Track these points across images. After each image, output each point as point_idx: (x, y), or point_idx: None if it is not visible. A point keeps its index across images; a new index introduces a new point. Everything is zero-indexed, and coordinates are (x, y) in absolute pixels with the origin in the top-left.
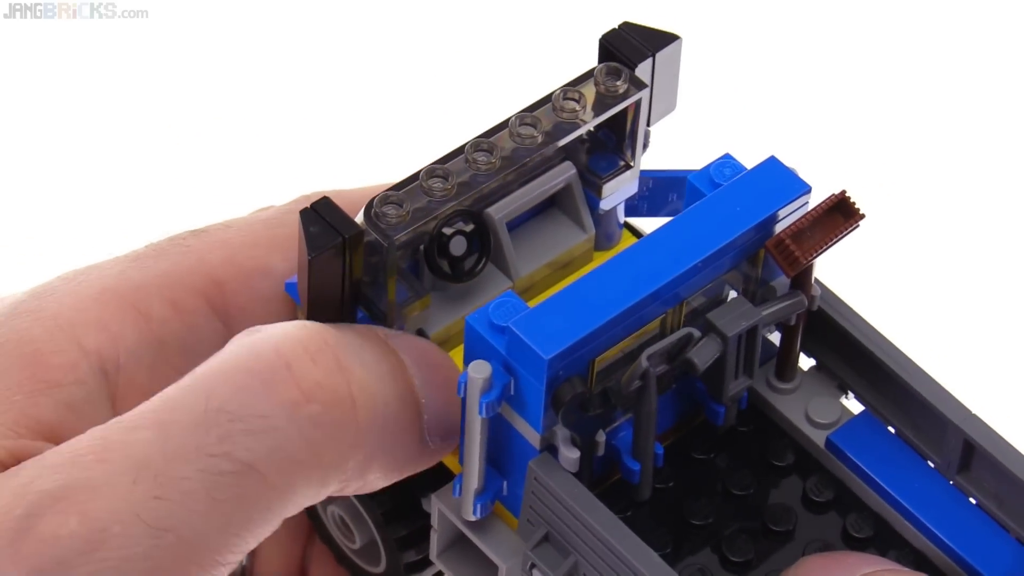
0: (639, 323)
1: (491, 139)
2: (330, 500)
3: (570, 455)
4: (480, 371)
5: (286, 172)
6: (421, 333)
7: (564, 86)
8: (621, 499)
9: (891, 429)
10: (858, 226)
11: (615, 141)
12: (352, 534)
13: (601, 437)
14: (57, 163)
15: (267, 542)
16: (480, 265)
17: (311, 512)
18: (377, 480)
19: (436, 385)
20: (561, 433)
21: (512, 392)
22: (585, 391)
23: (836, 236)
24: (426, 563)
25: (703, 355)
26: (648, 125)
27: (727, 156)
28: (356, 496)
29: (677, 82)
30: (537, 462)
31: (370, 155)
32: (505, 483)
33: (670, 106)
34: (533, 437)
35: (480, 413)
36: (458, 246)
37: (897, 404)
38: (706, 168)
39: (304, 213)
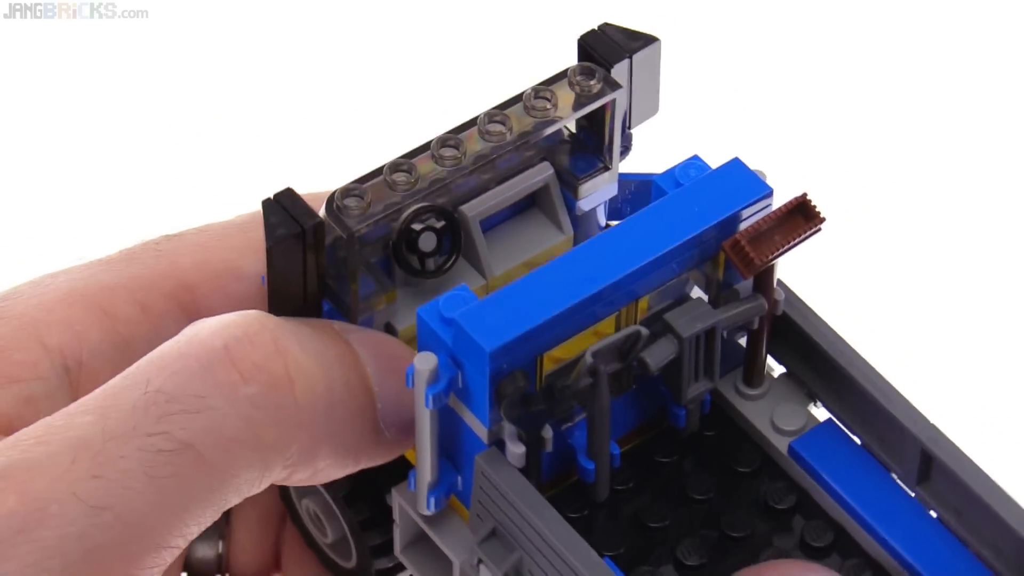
0: (589, 320)
1: (459, 135)
2: (304, 494)
3: (516, 450)
4: (426, 363)
5: (286, 172)
6: (389, 327)
7: (536, 85)
8: (578, 499)
9: (856, 439)
10: (819, 229)
11: (595, 142)
12: (325, 528)
13: (548, 433)
14: (57, 163)
15: (241, 530)
16: (449, 262)
17: (286, 499)
18: (329, 468)
19: (391, 376)
20: (507, 428)
21: (460, 385)
22: (527, 386)
23: (795, 239)
24: (399, 568)
25: (657, 355)
26: (629, 128)
27: (695, 158)
28: (333, 501)
29: (658, 85)
30: (484, 456)
31: (372, 156)
32: (459, 477)
33: (652, 109)
34: (481, 431)
35: (426, 405)
36: (427, 242)
37: (859, 412)
38: (672, 169)
39: (266, 203)
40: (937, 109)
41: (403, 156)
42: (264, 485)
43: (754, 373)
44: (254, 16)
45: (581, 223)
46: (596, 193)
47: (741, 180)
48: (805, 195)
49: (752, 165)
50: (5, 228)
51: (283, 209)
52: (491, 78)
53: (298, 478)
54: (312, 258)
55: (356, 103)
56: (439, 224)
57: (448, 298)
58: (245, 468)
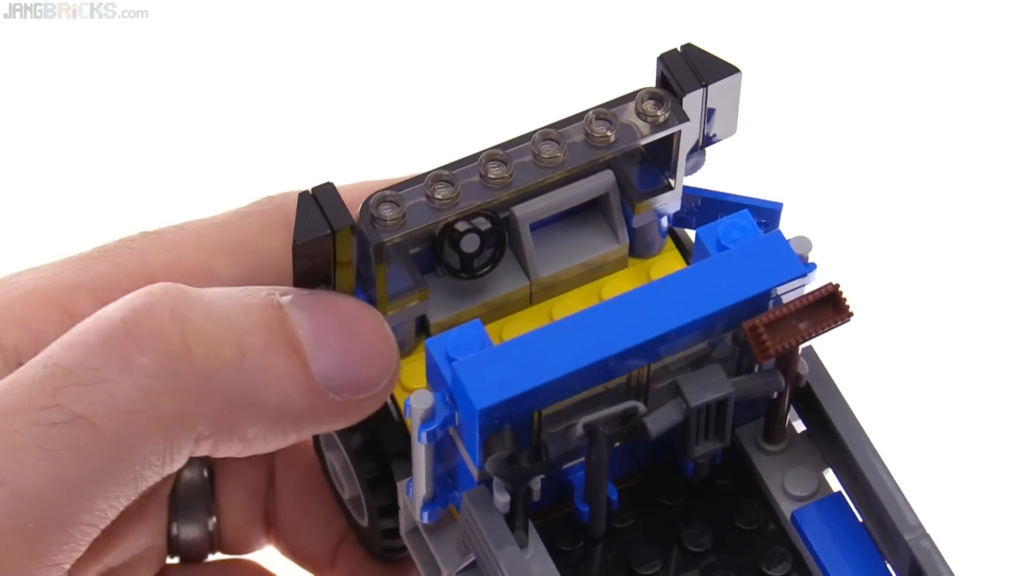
0: (597, 381)
1: (509, 151)
2: (329, 447)
3: (500, 498)
4: (421, 402)
5: (286, 172)
6: (423, 320)
7: (600, 105)
8: (574, 530)
9: (860, 518)
10: (846, 322)
11: (663, 158)
12: (343, 485)
13: (536, 485)
14: (57, 163)
15: (229, 508)
16: (489, 266)
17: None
18: (262, 437)
19: (333, 335)
20: (495, 479)
21: (456, 423)
22: (513, 447)
23: (818, 331)
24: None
25: (659, 422)
26: (702, 147)
27: (743, 214)
28: (347, 455)
29: (737, 110)
30: (471, 495)
31: (372, 156)
32: (457, 493)
33: (729, 131)
34: (472, 469)
35: (419, 440)
36: (470, 243)
37: (862, 498)
38: (715, 224)
39: (303, 197)
40: (937, 109)
41: (447, 167)
42: (180, 459)
43: (773, 430)
44: (254, 16)
45: (639, 233)
46: (654, 210)
47: (779, 256)
48: (837, 287)
49: (751, 168)
50: (5, 228)
51: (318, 206)
52: (549, 85)
53: (226, 450)
54: (343, 254)
55: (358, 103)
56: (485, 227)
57: (457, 336)
58: (146, 440)
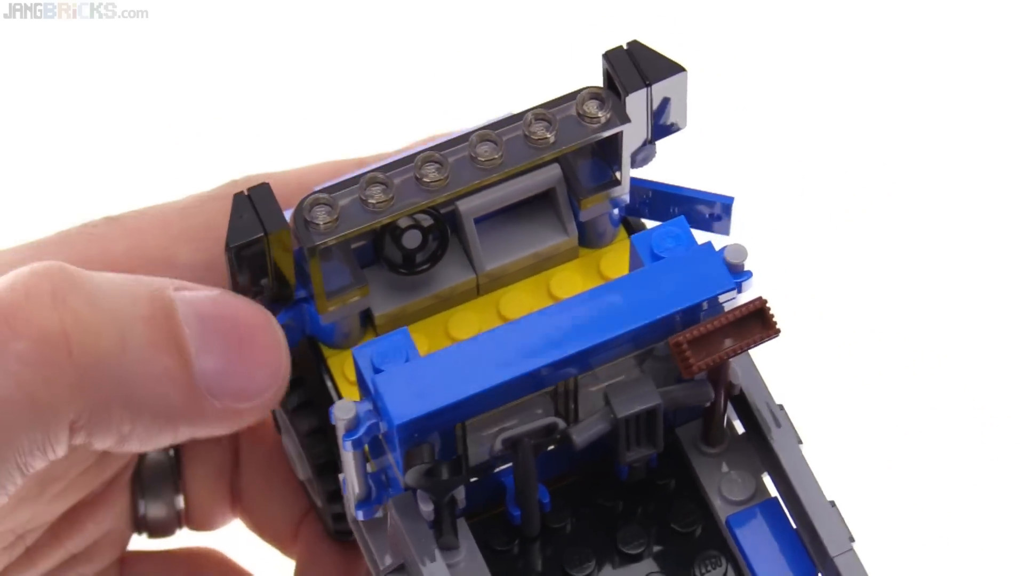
0: (522, 392)
1: (445, 152)
2: (283, 431)
3: (424, 507)
4: (344, 412)
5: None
6: (367, 314)
7: (540, 106)
8: (511, 529)
9: (794, 525)
10: (773, 338)
11: (610, 152)
12: (297, 467)
13: (461, 494)
14: (57, 163)
15: (196, 486)
16: (429, 263)
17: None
18: (138, 435)
19: (219, 339)
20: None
21: (380, 431)
22: (431, 461)
23: (744, 347)
24: None
25: (585, 433)
26: (651, 141)
27: (679, 221)
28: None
29: (684, 107)
30: (397, 501)
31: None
32: (392, 492)
33: (679, 125)
34: (399, 476)
35: (344, 448)
36: (412, 239)
37: (796, 512)
38: (649, 232)
39: (237, 198)
40: (938, 109)
41: (382, 168)
42: (60, 449)
43: (711, 434)
44: (254, 16)
45: (589, 224)
46: (601, 204)
47: (709, 269)
48: (764, 301)
49: (751, 168)
50: (5, 228)
51: (252, 207)
52: (502, 81)
53: (101, 443)
54: (280, 257)
55: (358, 104)
56: (427, 223)
57: (384, 345)
58: (21, 428)
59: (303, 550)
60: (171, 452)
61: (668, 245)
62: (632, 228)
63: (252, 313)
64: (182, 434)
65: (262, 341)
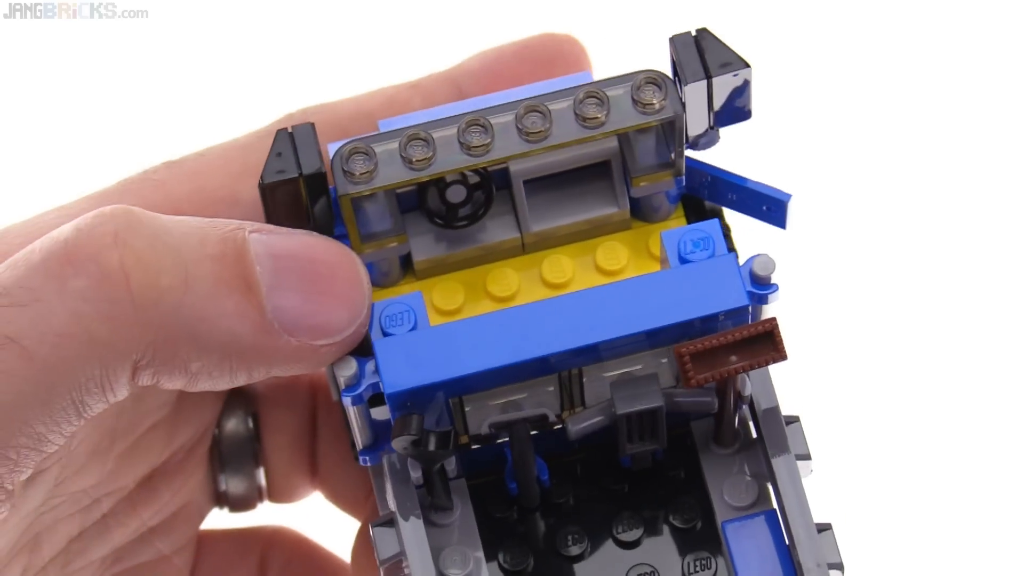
0: (521, 377)
1: (492, 117)
2: None
3: (413, 473)
4: (344, 370)
5: None
6: (407, 258)
7: (593, 83)
8: (511, 497)
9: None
10: (780, 361)
11: (670, 133)
12: None
13: (451, 464)
14: (57, 163)
15: (276, 457)
16: (469, 221)
17: None
18: (207, 373)
19: (292, 276)
20: None
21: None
22: (418, 433)
23: (750, 366)
24: None
25: (581, 425)
26: (713, 127)
27: (713, 223)
28: None
29: (749, 98)
30: (391, 460)
31: None
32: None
33: (741, 117)
34: None
35: (344, 403)
36: (456, 194)
37: (785, 528)
38: (681, 231)
39: (279, 134)
40: (938, 110)
41: (426, 126)
42: (121, 389)
43: (721, 435)
44: (254, 16)
45: (643, 199)
46: (655, 185)
47: (726, 282)
48: (774, 324)
49: (769, 164)
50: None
51: (292, 146)
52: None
53: (168, 382)
54: (316, 197)
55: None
56: (473, 180)
57: (394, 309)
58: (80, 366)
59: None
60: (250, 424)
61: (695, 249)
62: (692, 206)
63: (332, 251)
64: (257, 372)
65: (342, 278)
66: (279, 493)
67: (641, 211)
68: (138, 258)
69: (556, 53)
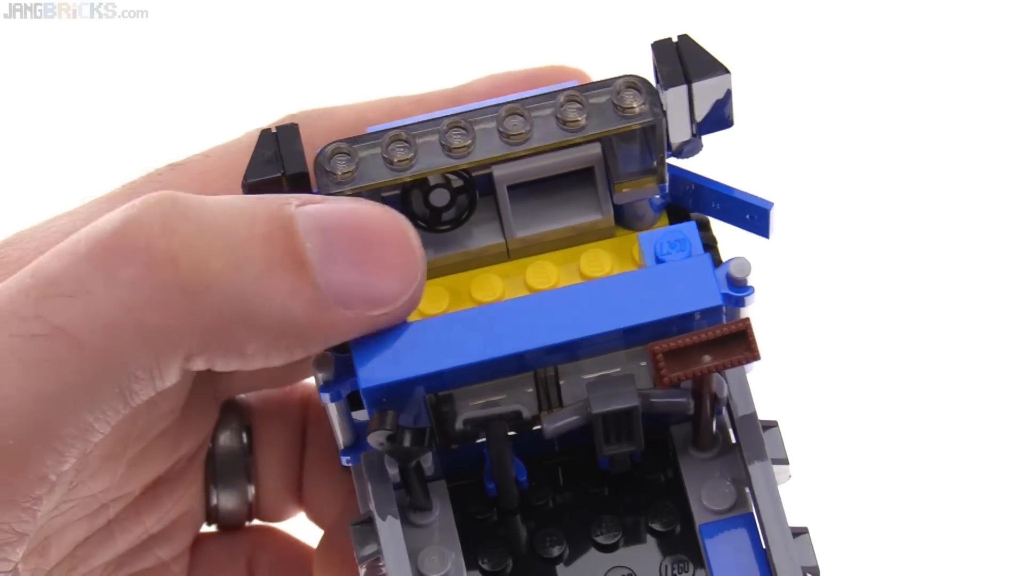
0: (497, 374)
1: (473, 120)
2: None
3: (390, 470)
4: (323, 367)
5: None
6: None
7: (575, 88)
8: (492, 498)
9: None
10: (754, 360)
11: (652, 141)
12: None
13: (428, 462)
14: (57, 163)
15: (267, 473)
16: (453, 225)
17: None
18: (263, 352)
19: (342, 247)
20: None
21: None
22: (392, 431)
23: (723, 365)
24: None
25: (556, 424)
26: (696, 135)
27: (690, 225)
28: None
29: (730, 106)
30: (368, 457)
31: None
32: None
33: (723, 125)
34: None
35: (322, 400)
36: (439, 198)
37: (761, 532)
38: (658, 233)
39: (264, 134)
40: (939, 110)
41: (407, 127)
42: (172, 375)
43: (699, 439)
44: (255, 16)
45: (627, 206)
46: (637, 192)
47: (700, 283)
48: (748, 324)
49: (760, 169)
50: (4, 229)
51: (276, 145)
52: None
53: (224, 365)
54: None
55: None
56: (456, 183)
57: None
58: (130, 354)
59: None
60: (244, 439)
61: (671, 250)
62: (677, 216)
63: (383, 219)
64: (315, 347)
65: (394, 245)
66: (267, 510)
67: (625, 219)
68: (186, 244)
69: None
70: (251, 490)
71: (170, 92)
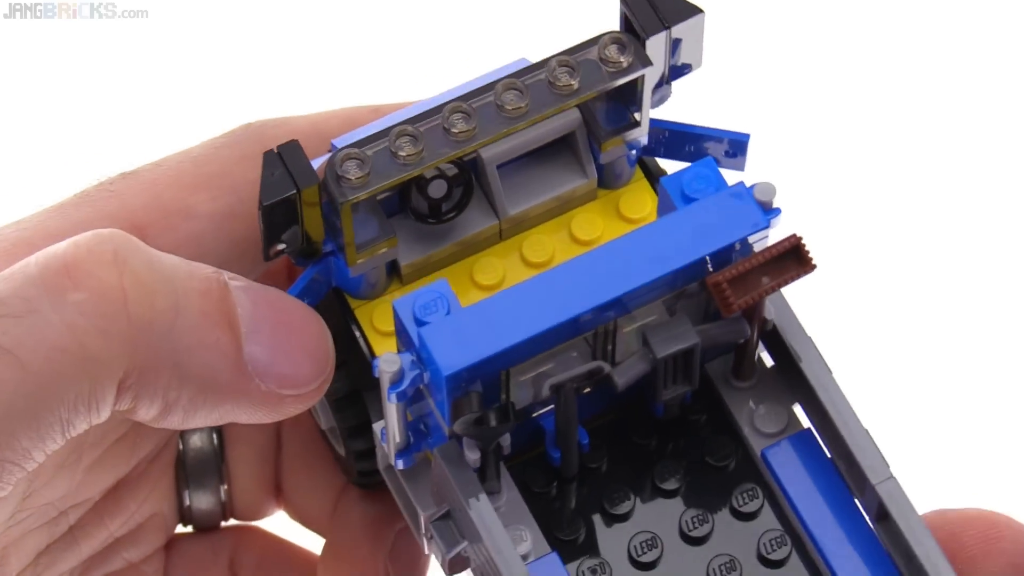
0: (563, 339)
1: (472, 102)
2: None
3: (471, 455)
4: (390, 365)
5: None
6: (393, 263)
7: (562, 53)
8: (549, 471)
9: (828, 455)
10: (809, 273)
11: (628, 96)
12: (320, 416)
13: (507, 441)
14: (57, 163)
15: (240, 473)
16: (456, 211)
17: None
18: (183, 404)
19: (268, 326)
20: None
21: (425, 382)
22: (480, 410)
23: (781, 283)
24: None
25: (626, 374)
26: (668, 83)
27: (708, 162)
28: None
29: (701, 46)
30: (442, 450)
31: None
32: (432, 441)
33: (693, 66)
34: (443, 425)
35: (389, 401)
36: (438, 189)
37: (831, 440)
38: (680, 174)
39: (267, 156)
40: (940, 110)
41: (410, 121)
42: (104, 409)
43: (742, 369)
44: (255, 16)
45: (607, 166)
46: (622, 147)
47: (743, 209)
48: (799, 239)
49: (766, 105)
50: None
51: (283, 164)
52: (506, 29)
53: (146, 410)
54: (309, 212)
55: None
56: (451, 172)
57: (425, 299)
58: (71, 380)
59: (338, 525)
60: (215, 441)
61: (699, 186)
62: (647, 168)
63: (299, 306)
64: (225, 413)
65: (309, 332)
66: (243, 509)
67: (604, 179)
68: (136, 278)
69: None
70: (223, 491)
71: (170, 92)
